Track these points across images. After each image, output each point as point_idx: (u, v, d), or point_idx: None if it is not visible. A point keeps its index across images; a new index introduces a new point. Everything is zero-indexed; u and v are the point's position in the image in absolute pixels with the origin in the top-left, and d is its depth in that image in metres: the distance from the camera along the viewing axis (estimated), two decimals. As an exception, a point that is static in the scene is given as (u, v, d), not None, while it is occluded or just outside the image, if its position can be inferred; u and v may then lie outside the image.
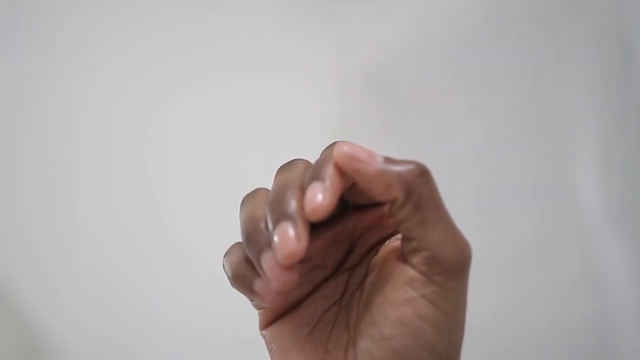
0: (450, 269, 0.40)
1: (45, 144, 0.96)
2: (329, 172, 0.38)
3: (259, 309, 0.44)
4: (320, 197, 0.37)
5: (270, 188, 0.41)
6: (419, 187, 0.39)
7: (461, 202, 0.87)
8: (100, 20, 0.96)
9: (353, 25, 0.92)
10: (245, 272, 0.40)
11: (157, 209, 0.95)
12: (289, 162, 0.41)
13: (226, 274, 0.41)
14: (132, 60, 0.95)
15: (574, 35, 0.85)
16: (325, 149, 0.40)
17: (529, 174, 0.86)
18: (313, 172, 0.38)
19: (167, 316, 0.92)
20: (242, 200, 0.41)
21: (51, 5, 0.97)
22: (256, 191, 0.41)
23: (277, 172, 0.41)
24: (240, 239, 0.41)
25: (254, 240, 0.39)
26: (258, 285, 0.39)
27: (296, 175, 0.39)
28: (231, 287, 0.42)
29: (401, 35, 0.90)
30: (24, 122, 0.97)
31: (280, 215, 0.38)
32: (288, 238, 0.37)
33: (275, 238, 0.37)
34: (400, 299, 0.39)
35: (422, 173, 0.40)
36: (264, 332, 0.44)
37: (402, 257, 0.39)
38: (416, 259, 0.39)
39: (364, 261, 0.43)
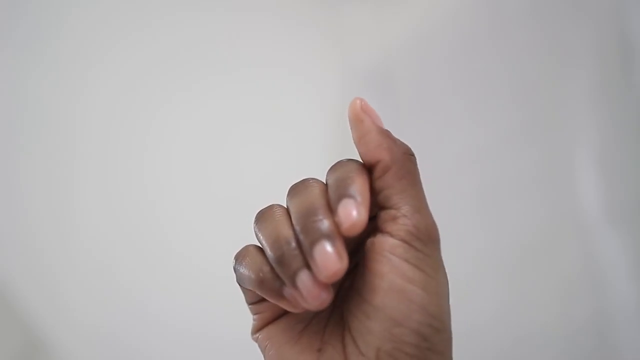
0: (426, 236, 0.42)
1: (46, 144, 0.96)
2: (359, 188, 0.40)
3: (256, 314, 0.44)
4: (355, 214, 0.39)
5: (283, 203, 0.43)
6: (405, 160, 0.42)
7: (461, 202, 0.87)
8: (98, 17, 0.96)
9: (354, 25, 0.92)
10: (273, 278, 0.40)
11: (158, 209, 0.95)
12: (301, 182, 0.43)
13: (243, 277, 0.42)
14: (131, 61, 0.95)
15: (574, 36, 0.85)
16: (337, 166, 0.43)
17: (529, 174, 0.86)
18: (339, 190, 0.41)
19: (167, 316, 0.92)
20: (258, 218, 0.43)
21: (51, 5, 0.97)
22: (271, 209, 0.43)
23: (291, 192, 0.43)
24: (250, 243, 0.43)
25: (288, 260, 0.40)
26: (289, 292, 0.40)
27: (318, 194, 0.41)
28: (230, 287, 0.43)
29: (401, 35, 0.90)
30: (24, 122, 0.97)
31: (316, 235, 0.39)
32: (330, 257, 0.39)
33: (317, 257, 0.39)
34: (385, 269, 0.40)
35: (411, 153, 0.43)
36: (257, 335, 0.45)
37: (381, 230, 0.41)
38: (395, 227, 0.41)
39: (351, 260, 0.43)
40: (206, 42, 0.94)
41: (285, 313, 0.44)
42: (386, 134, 0.43)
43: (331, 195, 0.41)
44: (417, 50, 0.89)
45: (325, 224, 0.40)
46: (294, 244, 0.40)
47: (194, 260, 0.88)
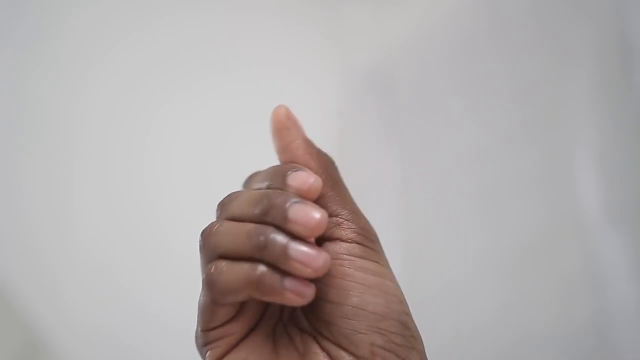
0: (372, 234, 0.43)
1: (46, 144, 0.96)
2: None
3: (221, 338, 0.43)
4: (309, 177, 0.41)
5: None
6: (331, 167, 0.44)
7: (461, 202, 0.87)
8: (98, 17, 0.96)
9: (354, 25, 0.92)
10: (270, 272, 0.40)
11: (158, 209, 0.95)
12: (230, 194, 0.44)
13: (228, 286, 0.41)
14: (131, 61, 0.95)
15: (574, 36, 0.85)
16: (260, 172, 0.43)
17: (529, 174, 0.86)
18: (282, 172, 0.42)
19: (167, 316, 0.92)
20: (208, 234, 0.43)
21: (51, 5, 0.97)
22: (214, 224, 0.44)
23: (227, 200, 0.44)
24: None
25: (272, 241, 0.40)
26: (290, 282, 0.40)
27: (258, 187, 0.43)
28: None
29: (401, 35, 0.90)
30: (24, 122, 0.97)
31: (283, 204, 0.40)
32: (307, 209, 0.39)
33: (295, 217, 0.39)
34: (351, 270, 0.41)
35: (334, 161, 0.45)
36: None
37: (329, 237, 0.42)
38: (344, 232, 0.42)
39: None
40: (206, 42, 0.94)
41: (249, 331, 0.44)
42: (311, 142, 0.45)
43: (275, 182, 0.42)
44: (417, 50, 0.89)
45: (285, 194, 0.40)
46: (269, 228, 0.40)
47: (194, 260, 0.88)
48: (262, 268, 0.40)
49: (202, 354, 0.44)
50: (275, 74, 0.93)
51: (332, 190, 0.44)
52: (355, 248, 0.42)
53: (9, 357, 0.97)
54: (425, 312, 0.90)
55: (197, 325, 0.44)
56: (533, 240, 0.86)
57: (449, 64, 0.88)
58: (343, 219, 0.43)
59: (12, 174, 0.97)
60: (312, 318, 0.42)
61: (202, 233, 0.44)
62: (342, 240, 0.42)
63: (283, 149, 0.44)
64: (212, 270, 0.42)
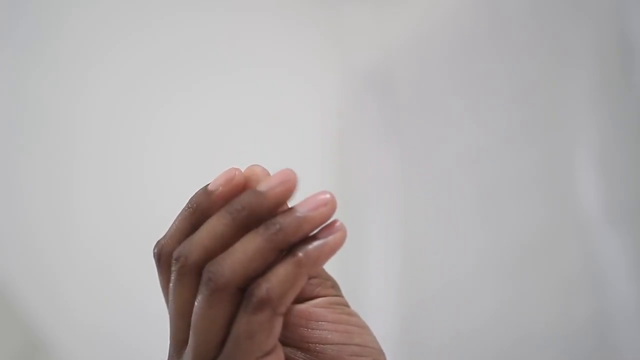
0: (339, 287, 0.46)
1: (46, 144, 0.96)
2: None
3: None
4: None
5: None
6: None
7: (461, 202, 0.87)
8: (98, 17, 0.96)
9: (354, 25, 0.92)
10: (306, 244, 0.40)
11: (158, 209, 0.95)
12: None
13: (295, 280, 0.40)
14: (131, 61, 0.95)
15: (574, 36, 0.85)
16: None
17: (529, 174, 0.86)
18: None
19: (167, 316, 0.92)
20: (220, 272, 0.41)
21: (51, 5, 0.96)
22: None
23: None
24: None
25: (283, 220, 0.40)
26: (321, 232, 0.40)
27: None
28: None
29: (401, 35, 0.90)
30: (24, 122, 0.97)
31: (254, 189, 0.42)
32: (276, 174, 0.41)
33: (269, 181, 0.41)
34: (345, 317, 0.45)
35: None
36: None
37: (316, 295, 0.45)
38: (329, 290, 0.45)
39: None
40: (206, 42, 0.94)
41: None
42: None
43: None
44: (417, 50, 0.89)
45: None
46: (270, 219, 0.41)
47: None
48: (297, 248, 0.40)
49: None
50: (275, 74, 0.93)
51: None
52: (339, 300, 0.45)
53: (9, 357, 0.97)
54: (425, 312, 0.90)
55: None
56: (533, 240, 0.86)
57: (449, 64, 0.88)
58: (322, 278, 0.45)
59: (12, 174, 0.97)
60: None
61: (210, 280, 0.41)
62: (331, 295, 0.45)
63: (229, 180, 0.44)
64: (265, 287, 0.40)
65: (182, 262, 0.42)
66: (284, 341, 0.43)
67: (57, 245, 0.96)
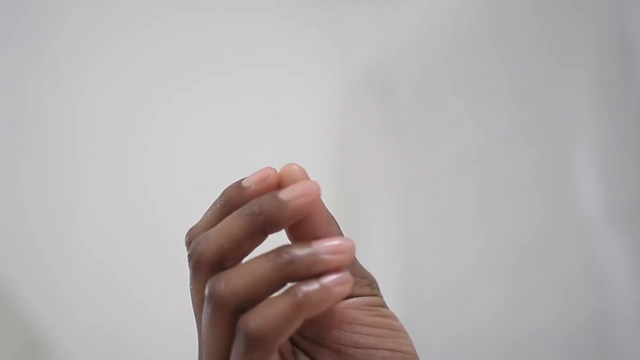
0: (377, 284, 0.46)
1: (46, 144, 0.96)
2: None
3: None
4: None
5: None
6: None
7: (461, 202, 0.87)
8: (98, 17, 0.96)
9: (354, 25, 0.92)
10: (311, 286, 0.40)
11: (158, 209, 0.95)
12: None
13: (289, 321, 0.40)
14: (131, 61, 0.95)
15: (574, 36, 0.85)
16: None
17: (529, 174, 0.86)
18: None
19: (167, 316, 0.92)
20: (219, 289, 0.41)
21: (51, 5, 0.96)
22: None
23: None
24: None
25: (296, 253, 0.40)
26: (327, 278, 0.40)
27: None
28: None
29: (401, 35, 0.90)
30: (24, 122, 0.97)
31: (272, 195, 0.41)
32: (298, 185, 0.41)
33: (289, 192, 0.40)
34: (378, 319, 0.44)
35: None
36: None
37: (351, 295, 0.44)
38: (365, 289, 0.44)
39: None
40: (206, 42, 0.94)
41: None
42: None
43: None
44: (417, 50, 0.89)
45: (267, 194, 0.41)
46: (283, 246, 0.40)
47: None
48: (301, 287, 0.39)
49: None
50: (275, 74, 0.93)
51: (328, 223, 0.44)
52: (375, 300, 0.44)
53: (9, 357, 0.97)
54: (425, 312, 0.90)
55: None
56: (533, 240, 0.86)
57: (449, 64, 0.88)
58: (359, 276, 0.44)
59: (12, 174, 0.97)
60: None
61: (212, 289, 0.41)
62: (364, 295, 0.44)
63: (263, 180, 0.43)
64: (253, 325, 0.39)
65: (196, 259, 0.42)
66: (315, 340, 0.43)
67: (57, 245, 0.95)
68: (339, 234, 0.42)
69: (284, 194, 0.40)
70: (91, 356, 0.96)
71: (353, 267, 0.44)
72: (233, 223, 0.41)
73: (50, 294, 0.95)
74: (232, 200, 0.43)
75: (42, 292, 0.95)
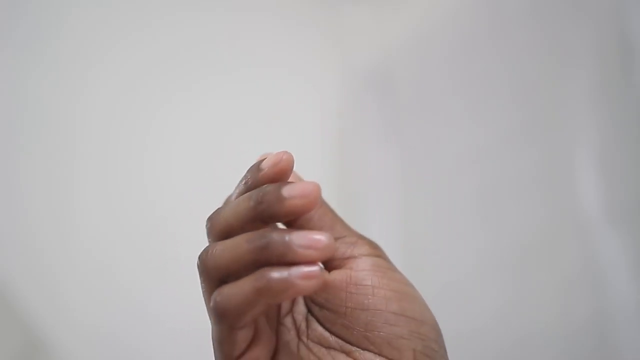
0: (382, 249, 0.45)
1: (46, 144, 0.96)
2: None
3: None
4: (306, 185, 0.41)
5: None
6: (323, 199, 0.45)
7: (461, 202, 0.87)
8: (98, 17, 0.96)
9: (354, 25, 0.92)
10: (277, 274, 0.40)
11: (158, 209, 0.95)
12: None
13: (250, 304, 0.40)
14: (131, 61, 0.95)
15: (574, 36, 0.85)
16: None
17: (529, 174, 0.86)
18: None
19: (167, 316, 0.92)
20: (207, 256, 0.43)
21: (51, 5, 0.96)
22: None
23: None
24: None
25: (273, 240, 0.40)
26: (295, 270, 0.40)
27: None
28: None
29: (401, 35, 0.90)
30: (24, 122, 0.97)
31: (277, 187, 0.42)
32: (301, 185, 0.41)
33: (291, 190, 0.40)
34: (385, 280, 0.42)
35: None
36: None
37: (350, 256, 0.44)
38: (363, 249, 0.43)
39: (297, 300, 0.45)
40: (206, 42, 0.94)
41: (274, 355, 0.44)
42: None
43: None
44: (417, 50, 0.89)
45: (276, 184, 0.42)
46: (267, 230, 0.41)
47: (194, 260, 0.88)
48: (267, 272, 0.40)
49: None
50: (275, 74, 0.93)
51: (333, 216, 0.45)
52: (380, 261, 0.43)
53: (9, 357, 0.97)
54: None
55: None
56: (533, 240, 0.86)
57: (449, 64, 0.88)
58: (355, 238, 0.44)
59: (12, 174, 0.97)
60: (344, 332, 0.43)
61: (200, 258, 0.44)
62: (366, 256, 0.43)
63: (275, 164, 0.43)
64: (219, 299, 0.41)
65: (208, 230, 0.45)
66: (324, 304, 0.43)
67: (57, 245, 0.95)
68: (345, 235, 0.43)
69: (285, 190, 0.41)
70: (91, 356, 0.96)
71: (348, 229, 0.44)
72: (241, 205, 0.42)
73: (50, 294, 0.95)
74: (251, 180, 0.44)
75: (42, 292, 0.95)
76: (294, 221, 0.44)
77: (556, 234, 0.85)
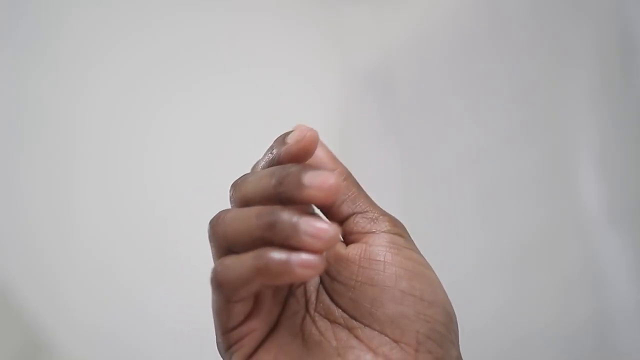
0: (404, 227, 0.45)
1: (46, 144, 0.96)
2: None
3: (244, 336, 0.43)
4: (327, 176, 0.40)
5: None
6: (349, 173, 0.46)
7: (461, 202, 0.87)
8: (98, 17, 0.96)
9: (354, 25, 0.92)
10: (278, 256, 0.40)
11: (158, 209, 0.95)
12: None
13: (246, 279, 0.40)
14: (131, 61, 0.95)
15: (574, 36, 0.85)
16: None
17: (529, 174, 0.86)
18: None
19: (167, 316, 0.92)
20: (217, 221, 0.43)
21: (51, 5, 0.97)
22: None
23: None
24: None
25: (281, 220, 0.40)
26: (296, 256, 0.39)
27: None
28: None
29: (401, 35, 0.90)
30: (24, 122, 0.97)
31: (300, 170, 0.41)
32: (322, 175, 0.41)
33: (312, 179, 0.40)
34: (398, 258, 0.42)
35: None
36: None
37: (368, 231, 0.43)
38: (382, 225, 0.43)
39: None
40: (206, 42, 0.94)
41: (273, 329, 0.43)
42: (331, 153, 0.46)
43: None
44: (417, 50, 0.89)
45: (300, 165, 0.42)
46: (278, 207, 0.40)
47: (194, 260, 0.88)
48: (267, 253, 0.39)
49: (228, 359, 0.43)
50: (275, 74, 0.93)
51: (357, 190, 0.45)
52: (398, 239, 0.43)
53: (9, 357, 0.97)
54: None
55: (216, 332, 0.43)
56: (533, 240, 0.86)
57: (449, 64, 0.88)
58: (377, 214, 0.44)
59: (12, 174, 0.97)
60: (350, 306, 0.42)
61: (210, 222, 0.44)
62: (384, 232, 0.43)
63: (298, 141, 0.43)
64: (219, 269, 0.41)
65: (231, 194, 0.44)
66: (335, 276, 0.43)
67: (57, 245, 0.96)
68: (368, 210, 0.43)
69: (307, 178, 0.40)
70: (91, 356, 0.96)
71: (373, 204, 0.44)
72: (263, 180, 0.42)
73: (50, 294, 0.95)
74: (276, 152, 0.44)
75: (42, 292, 0.95)
76: (322, 209, 0.44)
77: (556, 234, 0.85)
